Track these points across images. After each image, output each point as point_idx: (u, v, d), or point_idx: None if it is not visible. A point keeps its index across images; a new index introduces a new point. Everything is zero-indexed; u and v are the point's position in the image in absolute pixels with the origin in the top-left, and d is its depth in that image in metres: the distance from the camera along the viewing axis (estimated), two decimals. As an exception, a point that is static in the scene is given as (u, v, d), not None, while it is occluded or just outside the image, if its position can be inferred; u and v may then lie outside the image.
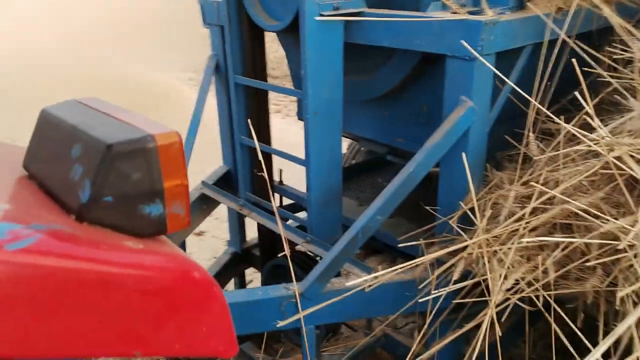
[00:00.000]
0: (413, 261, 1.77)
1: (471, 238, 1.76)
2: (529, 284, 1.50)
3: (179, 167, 0.96)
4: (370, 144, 2.69)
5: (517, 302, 1.53)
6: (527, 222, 1.60)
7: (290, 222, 2.58)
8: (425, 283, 1.76)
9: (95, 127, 0.98)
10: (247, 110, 2.39)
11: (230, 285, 3.53)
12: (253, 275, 4.03)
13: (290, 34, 2.18)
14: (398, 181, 1.87)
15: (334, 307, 1.91)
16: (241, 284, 3.23)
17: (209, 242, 4.61)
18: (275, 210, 1.99)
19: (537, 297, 1.49)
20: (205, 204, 2.71)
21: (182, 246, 2.57)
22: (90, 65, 10.55)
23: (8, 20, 13.37)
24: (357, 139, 2.95)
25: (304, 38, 1.90)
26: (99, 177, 0.90)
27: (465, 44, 1.73)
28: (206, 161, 3.12)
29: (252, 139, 2.40)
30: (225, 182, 2.82)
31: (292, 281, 1.93)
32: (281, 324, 1.77)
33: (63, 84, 9.25)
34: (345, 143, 3.86)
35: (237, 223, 2.99)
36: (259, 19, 2.16)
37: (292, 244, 2.27)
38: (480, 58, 1.74)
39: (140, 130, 0.95)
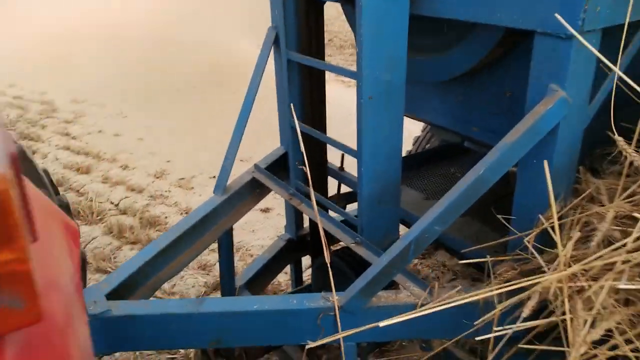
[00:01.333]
0: (477, 292, 1.46)
1: (551, 262, 1.42)
2: (628, 340, 1.14)
3: (10, 231, 0.59)
4: (441, 132, 2.35)
5: None
6: (629, 253, 1.23)
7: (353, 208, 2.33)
8: (487, 317, 1.45)
9: None
10: (301, 90, 2.14)
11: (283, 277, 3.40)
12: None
13: (351, 5, 1.88)
14: (464, 185, 1.55)
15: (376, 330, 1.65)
16: (297, 271, 3.05)
17: (274, 220, 4.48)
18: (314, 205, 1.75)
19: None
20: (258, 189, 2.52)
21: (229, 235, 2.41)
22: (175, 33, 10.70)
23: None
24: (427, 123, 2.62)
25: (360, 9, 1.60)
26: None
27: (559, 17, 1.36)
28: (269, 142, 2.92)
29: (305, 122, 2.18)
30: (282, 166, 2.61)
31: (341, 284, 1.70)
32: (311, 344, 1.54)
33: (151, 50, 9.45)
34: (419, 126, 3.52)
35: (293, 208, 2.79)
36: (316, -14, 1.89)
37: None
38: (579, 37, 1.36)
39: None
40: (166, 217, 4.46)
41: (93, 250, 4.01)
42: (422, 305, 1.64)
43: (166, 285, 3.63)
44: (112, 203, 4.73)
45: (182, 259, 2.11)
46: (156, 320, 1.62)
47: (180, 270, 2.14)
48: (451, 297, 1.64)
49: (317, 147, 2.29)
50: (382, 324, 1.46)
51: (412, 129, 3.53)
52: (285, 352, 2.30)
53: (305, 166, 1.57)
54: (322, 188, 2.43)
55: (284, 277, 3.63)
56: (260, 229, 4.39)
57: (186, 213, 4.45)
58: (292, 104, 2.05)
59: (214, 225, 2.26)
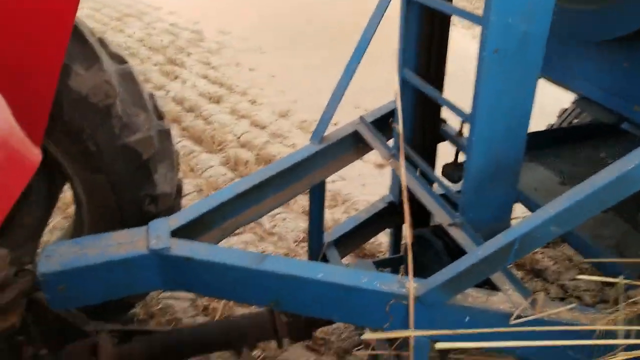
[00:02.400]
0: (596, 316, 1.12)
1: None
2: None
3: None
4: (593, 107, 1.89)
5: None
6: None
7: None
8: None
9: None
10: (419, 36, 1.82)
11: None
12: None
13: None
14: (604, 179, 1.17)
15: (461, 328, 1.38)
16: (396, 236, 2.80)
17: (387, 178, 4.21)
18: (402, 171, 1.47)
19: None
20: (360, 143, 2.28)
21: (322, 187, 2.22)
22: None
23: None
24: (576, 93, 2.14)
25: None
26: None
27: None
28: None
29: (420, 74, 1.86)
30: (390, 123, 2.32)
31: (433, 266, 1.45)
32: (373, 336, 1.32)
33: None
34: (568, 97, 2.95)
35: (400, 171, 2.52)
36: None
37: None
38: None
39: None
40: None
41: (208, 179, 4.11)
42: (519, 317, 1.33)
43: (267, 224, 3.61)
44: (234, 135, 4.80)
45: (268, 203, 1.97)
46: (214, 268, 1.50)
47: (263, 215, 2.00)
48: (560, 315, 1.30)
49: (430, 105, 1.97)
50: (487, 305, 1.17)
51: (562, 98, 2.99)
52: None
53: (397, 124, 1.29)
54: (430, 153, 2.12)
55: (386, 239, 3.40)
56: (371, 184, 4.17)
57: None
58: (403, 50, 1.74)
59: (306, 174, 2.08)
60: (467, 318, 1.37)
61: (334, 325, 2.89)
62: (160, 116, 2.38)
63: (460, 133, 2.35)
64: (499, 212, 1.65)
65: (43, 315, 1.77)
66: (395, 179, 2.56)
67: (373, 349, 1.99)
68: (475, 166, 1.55)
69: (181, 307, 2.81)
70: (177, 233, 1.63)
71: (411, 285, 1.37)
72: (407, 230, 1.39)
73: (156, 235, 1.57)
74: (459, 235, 1.60)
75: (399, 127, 1.33)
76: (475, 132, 1.50)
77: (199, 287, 1.57)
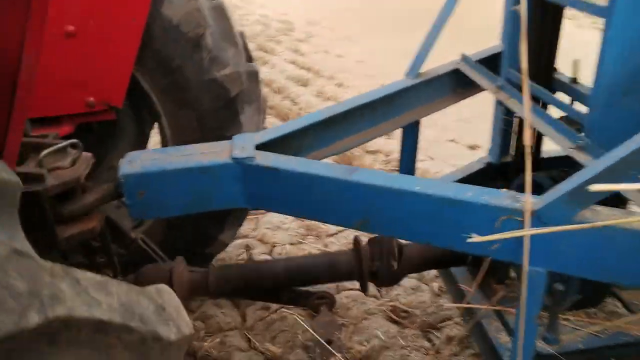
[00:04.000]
0: None
1: None
2: None
3: None
4: None
5: None
6: None
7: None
8: None
9: None
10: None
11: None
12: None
13: None
14: None
15: (591, 254, 1.15)
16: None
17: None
18: (526, 92, 1.26)
19: None
20: (459, 86, 2.07)
21: (415, 129, 2.04)
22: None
23: None
24: None
25: None
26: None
27: None
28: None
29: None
30: (493, 65, 2.10)
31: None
32: (477, 238, 1.12)
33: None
34: None
35: (502, 125, 2.27)
36: None
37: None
38: None
39: None
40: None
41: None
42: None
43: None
44: (320, 115, 4.72)
45: (357, 136, 1.82)
46: (301, 180, 1.37)
47: (353, 148, 1.85)
48: None
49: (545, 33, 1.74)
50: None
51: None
52: (453, 276, 1.89)
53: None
54: (546, 80, 1.87)
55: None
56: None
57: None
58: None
59: (399, 110, 1.91)
60: (601, 240, 1.13)
61: (420, 298, 2.68)
62: (249, 57, 2.32)
63: (574, 80, 2.09)
64: (633, 134, 1.38)
65: (122, 239, 1.74)
66: (497, 136, 2.32)
67: (468, 303, 1.78)
68: (608, 73, 1.31)
69: (224, 320, 2.40)
70: (261, 148, 1.53)
71: (529, 198, 1.16)
72: (526, 135, 1.18)
73: (241, 146, 1.47)
74: (583, 158, 1.36)
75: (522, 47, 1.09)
76: (611, 29, 1.26)
77: (284, 203, 1.44)
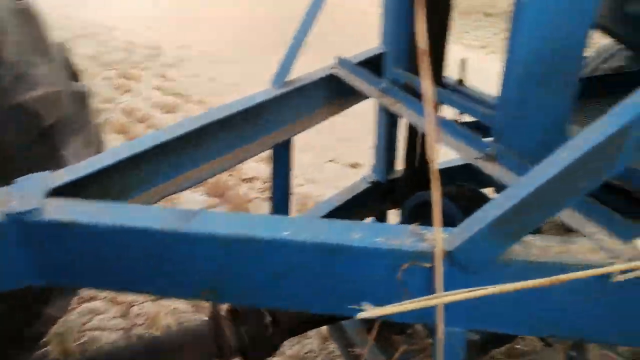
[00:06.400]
0: None
1: None
2: None
3: None
4: None
5: None
6: None
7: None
8: None
9: None
10: None
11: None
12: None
13: None
14: None
15: (525, 307, 0.83)
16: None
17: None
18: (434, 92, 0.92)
19: None
20: (336, 95, 1.74)
21: (287, 148, 1.67)
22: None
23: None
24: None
25: None
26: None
27: None
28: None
29: None
30: (374, 69, 1.80)
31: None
32: (366, 311, 0.75)
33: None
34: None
35: (386, 138, 1.98)
36: None
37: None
38: None
39: None
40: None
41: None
42: (623, 272, 0.77)
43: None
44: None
45: (208, 165, 1.39)
46: (114, 238, 0.91)
47: (201, 182, 1.43)
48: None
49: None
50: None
51: None
52: (342, 329, 1.51)
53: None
54: (437, 77, 1.59)
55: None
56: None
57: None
58: None
59: (264, 126, 1.52)
60: (536, 291, 0.80)
61: (308, 347, 2.28)
62: (74, 75, 1.82)
63: (460, 81, 1.86)
64: (550, 134, 1.10)
65: None
66: (381, 153, 2.02)
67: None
68: (519, 56, 1.01)
69: (112, 338, 2.13)
70: (61, 194, 1.04)
71: (439, 234, 0.81)
72: (429, 137, 0.83)
73: (20, 195, 0.98)
74: (494, 170, 1.05)
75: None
76: (524, 7, 0.97)
77: (92, 274, 0.97)
